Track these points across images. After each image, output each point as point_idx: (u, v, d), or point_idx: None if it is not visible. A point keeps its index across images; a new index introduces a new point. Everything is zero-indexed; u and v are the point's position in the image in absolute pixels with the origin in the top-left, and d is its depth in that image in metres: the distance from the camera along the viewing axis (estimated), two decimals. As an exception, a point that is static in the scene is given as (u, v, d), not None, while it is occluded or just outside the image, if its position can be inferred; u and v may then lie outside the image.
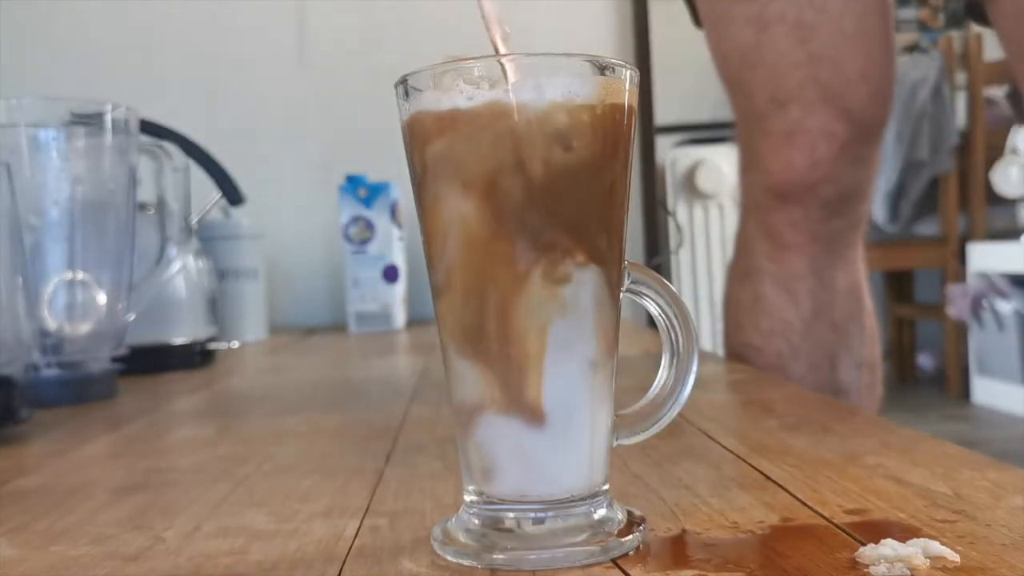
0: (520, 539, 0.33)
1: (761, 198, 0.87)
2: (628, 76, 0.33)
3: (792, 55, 0.81)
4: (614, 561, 0.32)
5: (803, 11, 0.81)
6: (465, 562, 0.32)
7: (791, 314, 0.87)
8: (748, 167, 0.90)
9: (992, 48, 2.90)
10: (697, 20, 0.93)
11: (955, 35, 3.15)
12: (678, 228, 2.34)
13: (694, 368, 0.35)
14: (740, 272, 0.92)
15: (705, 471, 0.45)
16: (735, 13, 0.84)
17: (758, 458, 0.46)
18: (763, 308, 0.88)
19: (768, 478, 0.42)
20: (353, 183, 1.44)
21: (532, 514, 0.33)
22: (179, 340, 1.04)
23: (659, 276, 0.36)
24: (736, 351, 0.91)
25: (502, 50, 0.34)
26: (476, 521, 0.34)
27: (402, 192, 1.45)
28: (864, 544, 0.31)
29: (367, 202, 1.43)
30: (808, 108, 0.82)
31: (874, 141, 0.86)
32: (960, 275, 2.87)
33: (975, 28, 3.42)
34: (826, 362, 0.88)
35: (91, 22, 1.63)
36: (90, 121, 0.81)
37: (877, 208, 2.86)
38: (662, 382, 0.36)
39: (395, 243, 1.45)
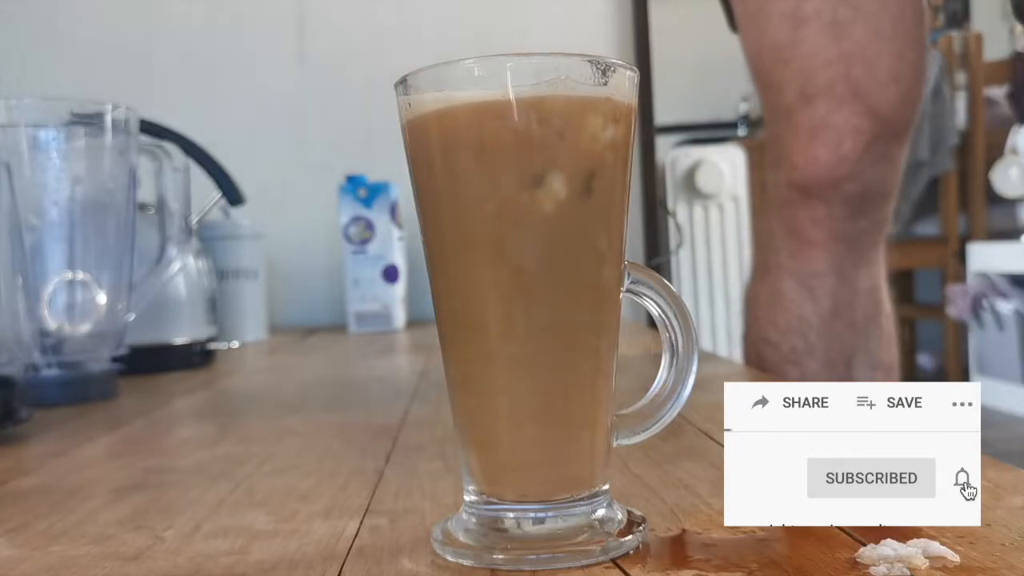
0: (520, 539, 0.33)
1: (785, 193, 0.87)
2: (628, 76, 0.33)
3: (825, 52, 0.81)
4: (614, 561, 0.32)
5: (838, 9, 0.80)
6: (465, 562, 0.32)
7: (809, 311, 0.87)
8: (774, 164, 0.89)
9: (992, 48, 2.90)
10: (733, 24, 0.92)
11: (955, 35, 3.15)
12: (678, 228, 2.34)
13: (694, 368, 0.35)
14: (760, 267, 0.92)
15: (705, 471, 0.45)
16: (771, 10, 0.84)
17: (758, 458, 0.46)
18: (781, 304, 0.88)
19: (768, 478, 0.42)
20: (353, 183, 1.44)
21: (532, 514, 0.33)
22: (179, 340, 1.04)
23: (659, 276, 0.36)
24: (753, 345, 0.91)
25: None
26: (476, 521, 0.34)
27: (402, 192, 1.45)
28: (864, 544, 0.31)
29: (367, 202, 1.43)
30: (835, 103, 0.82)
31: (900, 141, 0.85)
32: (960, 275, 2.87)
33: (975, 28, 3.42)
34: (842, 361, 0.88)
35: (90, 22, 1.63)
36: (90, 121, 0.81)
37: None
38: (662, 382, 0.36)
39: (395, 243, 1.45)
